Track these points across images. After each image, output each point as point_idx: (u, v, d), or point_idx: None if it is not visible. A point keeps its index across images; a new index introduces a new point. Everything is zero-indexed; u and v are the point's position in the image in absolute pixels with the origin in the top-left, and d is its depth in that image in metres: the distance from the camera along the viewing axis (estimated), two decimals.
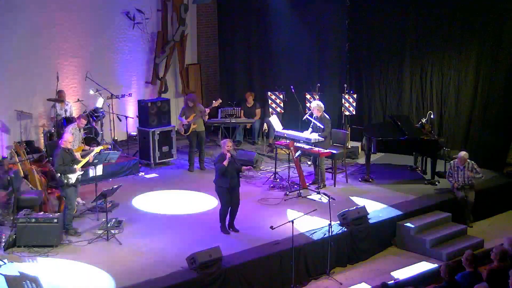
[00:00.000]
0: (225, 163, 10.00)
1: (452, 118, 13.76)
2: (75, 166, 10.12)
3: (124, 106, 15.24)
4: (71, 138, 10.40)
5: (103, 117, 13.93)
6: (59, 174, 10.10)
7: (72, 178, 10.11)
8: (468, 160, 11.58)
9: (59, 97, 13.54)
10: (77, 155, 10.95)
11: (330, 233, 9.82)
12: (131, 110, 15.26)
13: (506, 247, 8.13)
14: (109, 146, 13.31)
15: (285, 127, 12.91)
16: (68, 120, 13.12)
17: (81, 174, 10.34)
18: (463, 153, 11.59)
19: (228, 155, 10.04)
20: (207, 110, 13.43)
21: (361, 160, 13.73)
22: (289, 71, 15.64)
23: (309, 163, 13.37)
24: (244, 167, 10.40)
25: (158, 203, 11.73)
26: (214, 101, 13.69)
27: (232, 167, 10.10)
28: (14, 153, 11.33)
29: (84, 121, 11.97)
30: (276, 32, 15.88)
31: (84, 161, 10.34)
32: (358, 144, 14.43)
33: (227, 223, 10.35)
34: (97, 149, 10.69)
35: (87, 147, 12.00)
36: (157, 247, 9.80)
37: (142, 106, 14.01)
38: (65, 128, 12.09)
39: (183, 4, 16.18)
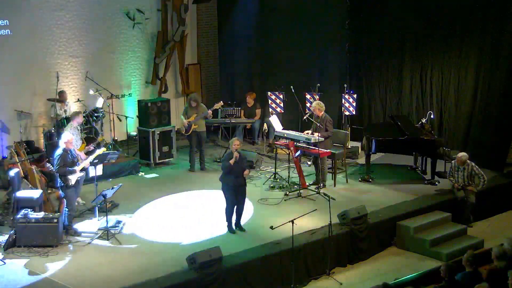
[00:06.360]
0: (231, 162, 10.00)
1: (452, 118, 13.76)
2: (75, 168, 10.12)
3: (124, 106, 15.24)
4: (72, 139, 10.37)
5: (103, 117, 13.93)
6: (59, 175, 10.10)
7: (72, 179, 10.10)
8: (468, 161, 11.55)
9: (61, 97, 13.55)
10: (81, 154, 10.95)
11: (330, 233, 9.83)
12: (131, 110, 15.25)
13: (506, 247, 8.12)
14: (108, 143, 13.32)
15: (285, 127, 12.91)
16: (69, 120, 13.11)
17: (81, 176, 10.33)
18: (461, 154, 11.57)
19: (236, 154, 10.03)
20: (210, 112, 13.43)
21: (361, 160, 13.73)
22: (289, 71, 15.63)
23: (309, 163, 13.37)
24: (245, 172, 10.21)
25: (160, 204, 11.73)
26: (215, 104, 13.69)
27: (238, 166, 10.08)
28: (14, 153, 11.32)
29: (80, 118, 11.92)
30: (276, 32, 15.88)
31: (84, 163, 10.32)
32: (358, 144, 14.43)
33: (233, 222, 10.36)
34: (99, 151, 10.67)
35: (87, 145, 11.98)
36: (157, 247, 9.81)
37: (142, 106, 14.01)
38: (63, 130, 12.01)
39: (183, 4, 16.19)
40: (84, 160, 10.41)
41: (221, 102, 13.89)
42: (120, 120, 14.44)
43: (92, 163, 10.51)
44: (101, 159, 10.74)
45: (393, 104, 14.57)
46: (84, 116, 13.24)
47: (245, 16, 16.45)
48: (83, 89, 14.53)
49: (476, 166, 11.54)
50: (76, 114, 11.87)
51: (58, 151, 10.10)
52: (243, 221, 10.47)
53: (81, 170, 10.26)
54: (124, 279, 8.75)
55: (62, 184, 10.08)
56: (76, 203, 10.70)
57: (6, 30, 13.59)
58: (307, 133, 12.23)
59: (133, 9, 15.39)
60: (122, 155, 13.62)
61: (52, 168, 10.77)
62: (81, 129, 12.17)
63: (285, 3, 15.63)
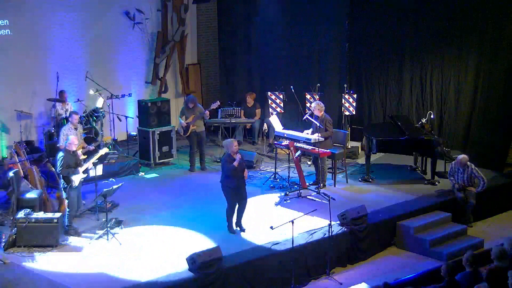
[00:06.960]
0: (236, 164, 9.96)
1: (452, 118, 13.76)
2: (79, 169, 10.10)
3: (124, 106, 15.24)
4: (76, 140, 10.35)
5: (103, 117, 13.93)
6: (62, 177, 10.08)
7: (76, 180, 10.09)
8: (468, 163, 11.54)
9: (61, 97, 13.55)
10: (79, 153, 10.94)
11: (330, 233, 9.83)
12: (131, 110, 15.25)
13: (506, 247, 8.12)
14: (108, 143, 13.32)
15: (285, 127, 12.91)
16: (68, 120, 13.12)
17: (84, 177, 10.33)
18: (461, 156, 11.55)
19: (239, 156, 10.00)
20: (207, 112, 13.44)
21: (361, 160, 13.73)
22: (289, 71, 15.64)
23: (309, 163, 13.37)
24: (245, 173, 10.20)
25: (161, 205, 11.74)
26: (213, 104, 13.70)
27: (240, 167, 10.07)
28: (14, 153, 11.33)
29: (76, 117, 11.91)
30: (276, 32, 15.88)
31: (87, 164, 10.30)
32: (358, 144, 14.43)
33: (234, 222, 10.35)
34: (101, 151, 10.66)
35: (85, 145, 11.98)
36: (157, 247, 9.80)
37: (142, 106, 14.01)
38: (60, 131, 12.02)
39: (183, 4, 16.19)
40: (85, 161, 10.40)
41: (218, 102, 13.90)
42: (120, 120, 14.44)
43: (93, 163, 10.51)
44: (101, 159, 10.74)
45: (393, 104, 14.56)
46: (84, 116, 13.29)
47: (245, 16, 16.45)
48: (83, 89, 14.53)
49: (476, 169, 11.52)
50: (72, 114, 11.87)
51: (61, 153, 10.11)
52: (243, 221, 10.46)
53: (84, 171, 10.26)
54: (124, 279, 8.75)
55: (65, 186, 10.07)
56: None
57: (6, 30, 13.61)
58: (307, 133, 12.22)
59: (133, 9, 15.41)
60: (122, 155, 13.63)
61: (53, 168, 10.77)
62: (81, 129, 12.19)
63: (285, 3, 15.62)
